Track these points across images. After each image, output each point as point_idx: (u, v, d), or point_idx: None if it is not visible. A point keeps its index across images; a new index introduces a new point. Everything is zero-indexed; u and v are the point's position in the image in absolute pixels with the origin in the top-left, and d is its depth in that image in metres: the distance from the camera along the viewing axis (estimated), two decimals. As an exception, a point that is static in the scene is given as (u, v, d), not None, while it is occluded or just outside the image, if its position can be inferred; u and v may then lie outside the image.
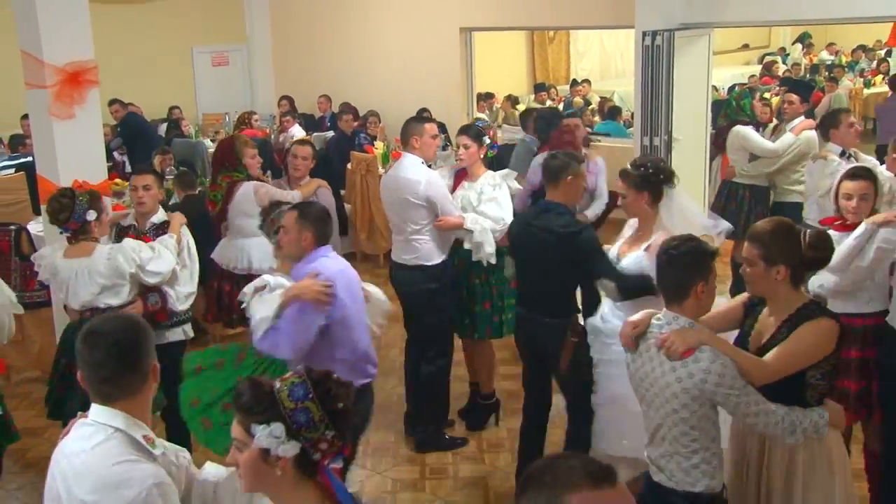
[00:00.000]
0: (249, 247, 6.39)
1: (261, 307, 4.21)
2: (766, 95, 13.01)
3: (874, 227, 4.42)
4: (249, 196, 6.34)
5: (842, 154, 6.47)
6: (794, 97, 8.27)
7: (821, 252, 3.44)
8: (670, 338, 3.26)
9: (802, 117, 8.03)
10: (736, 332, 3.63)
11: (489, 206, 5.77)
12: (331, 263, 4.33)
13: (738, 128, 8.00)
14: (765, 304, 3.57)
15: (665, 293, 3.40)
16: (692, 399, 3.23)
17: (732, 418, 3.42)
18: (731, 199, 8.02)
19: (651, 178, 4.56)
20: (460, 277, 5.95)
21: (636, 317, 3.52)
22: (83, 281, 4.97)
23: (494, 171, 6.13)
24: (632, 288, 4.48)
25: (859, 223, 4.54)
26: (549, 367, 4.96)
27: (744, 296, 3.73)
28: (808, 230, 3.47)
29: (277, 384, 2.32)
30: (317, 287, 4.14)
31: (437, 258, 5.75)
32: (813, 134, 7.60)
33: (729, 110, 8.94)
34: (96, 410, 2.61)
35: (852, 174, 4.57)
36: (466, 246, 5.75)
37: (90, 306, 4.99)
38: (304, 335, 4.14)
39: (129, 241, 5.15)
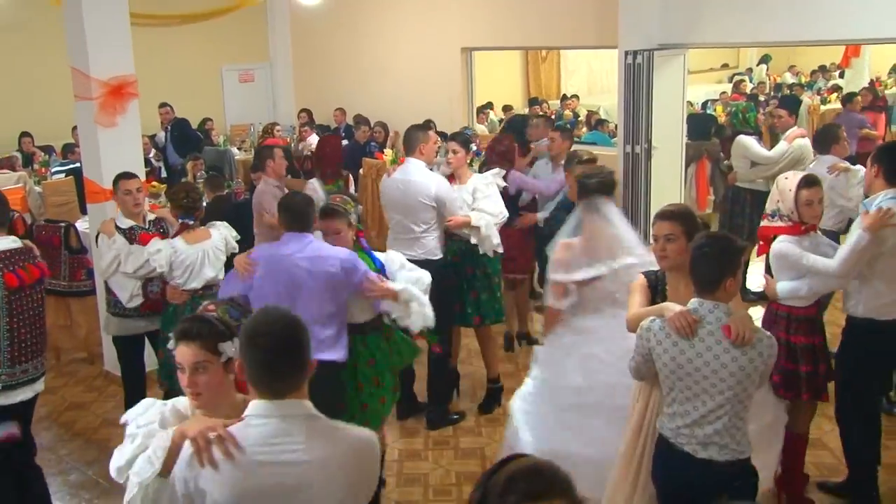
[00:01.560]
0: None
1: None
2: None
3: (870, 234, 4.21)
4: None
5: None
6: (783, 112, 8.37)
7: None
8: (738, 327, 3.16)
9: (796, 127, 8.13)
10: None
11: (486, 202, 5.79)
12: (271, 248, 4.51)
13: (741, 137, 8.09)
14: (663, 281, 3.70)
15: (698, 284, 3.29)
16: (760, 376, 3.24)
17: None
18: (735, 202, 8.16)
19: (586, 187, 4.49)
20: (456, 271, 5.87)
21: (685, 308, 3.30)
22: (211, 259, 5.20)
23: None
24: None
25: (817, 225, 4.53)
26: None
27: (641, 279, 3.77)
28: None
29: (216, 312, 2.85)
30: (242, 261, 4.41)
31: (439, 253, 5.74)
32: (805, 141, 7.70)
33: (735, 122, 8.97)
34: (270, 405, 2.40)
35: (808, 182, 4.43)
36: (473, 240, 5.73)
37: (214, 282, 5.16)
38: (225, 291, 4.37)
39: (225, 224, 5.46)
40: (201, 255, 5.15)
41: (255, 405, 2.40)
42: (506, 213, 5.83)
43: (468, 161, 6.17)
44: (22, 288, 4.21)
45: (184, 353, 2.62)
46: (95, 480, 5.31)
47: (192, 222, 5.24)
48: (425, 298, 4.52)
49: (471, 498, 1.85)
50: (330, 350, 4.30)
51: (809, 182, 4.45)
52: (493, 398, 6.14)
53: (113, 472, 2.59)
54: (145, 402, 2.76)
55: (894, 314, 4.42)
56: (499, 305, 5.99)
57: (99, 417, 6.17)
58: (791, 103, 8.12)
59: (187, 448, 2.36)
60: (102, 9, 6.19)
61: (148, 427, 2.60)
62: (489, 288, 5.90)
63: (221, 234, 5.33)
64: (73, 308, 6.96)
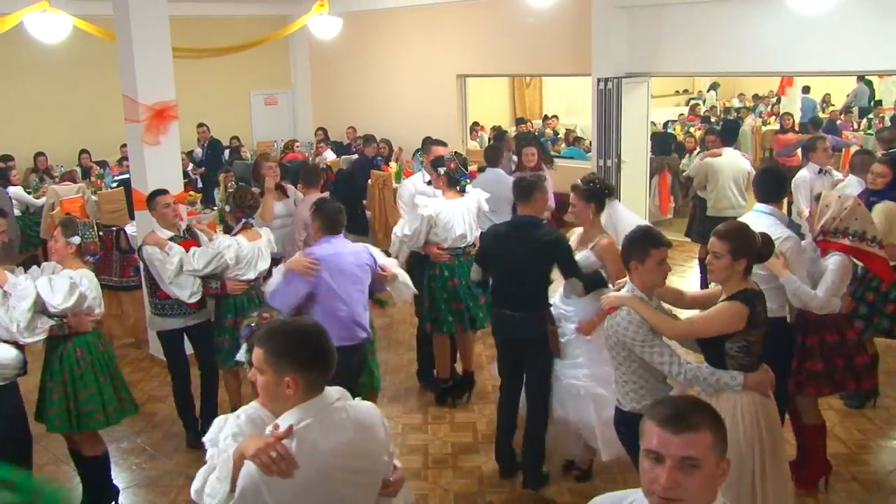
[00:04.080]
0: None
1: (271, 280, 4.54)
2: (692, 130, 13.14)
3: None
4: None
5: (819, 171, 6.50)
6: (714, 137, 8.45)
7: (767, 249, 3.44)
8: (608, 297, 3.42)
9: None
10: None
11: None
12: (325, 248, 4.43)
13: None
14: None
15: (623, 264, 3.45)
16: (616, 344, 3.34)
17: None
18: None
19: (596, 192, 4.41)
20: (440, 283, 5.55)
21: (620, 290, 3.49)
22: (263, 255, 5.25)
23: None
24: (592, 284, 4.33)
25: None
26: (522, 353, 4.49)
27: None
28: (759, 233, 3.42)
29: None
30: (305, 262, 4.35)
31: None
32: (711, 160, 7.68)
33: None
34: (309, 405, 2.22)
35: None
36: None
37: (263, 274, 5.20)
38: (290, 295, 4.37)
39: (265, 230, 5.49)
40: (257, 251, 5.21)
41: (299, 410, 2.18)
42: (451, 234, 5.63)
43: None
44: None
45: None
46: (143, 447, 5.36)
47: (251, 221, 5.31)
48: (408, 277, 4.80)
49: None
50: (364, 329, 4.55)
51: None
52: (465, 386, 5.90)
53: (193, 495, 2.30)
54: (217, 423, 2.42)
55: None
56: (482, 314, 5.58)
57: (146, 394, 6.21)
58: (729, 130, 8.27)
59: (248, 465, 2.12)
60: (149, 44, 6.22)
61: (225, 452, 2.27)
62: (473, 297, 5.58)
63: (267, 235, 5.40)
64: (123, 300, 7.00)
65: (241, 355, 3.10)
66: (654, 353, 3.25)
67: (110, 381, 4.45)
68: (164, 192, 5.23)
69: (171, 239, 5.16)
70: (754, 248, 3.35)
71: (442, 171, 5.53)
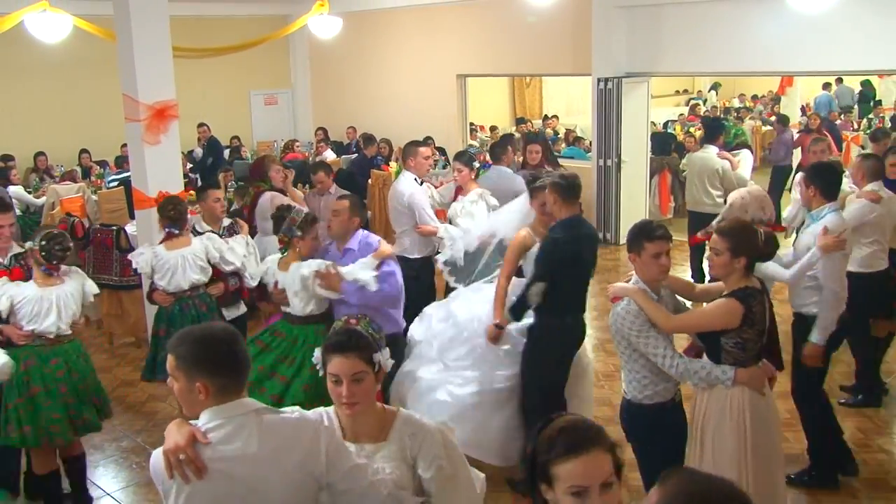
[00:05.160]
0: (267, 243, 6.05)
1: (360, 271, 4.22)
2: (692, 130, 13.15)
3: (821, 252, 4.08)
4: (266, 204, 6.31)
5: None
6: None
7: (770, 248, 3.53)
8: (614, 287, 3.44)
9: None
10: None
11: (464, 220, 5.72)
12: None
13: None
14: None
15: None
16: (617, 333, 3.38)
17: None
18: None
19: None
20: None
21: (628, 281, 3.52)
22: (190, 264, 5.00)
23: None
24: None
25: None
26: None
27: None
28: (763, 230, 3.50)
29: (359, 325, 2.48)
30: (387, 251, 4.33)
31: (416, 254, 5.72)
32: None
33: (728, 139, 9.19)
34: (235, 405, 2.19)
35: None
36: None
37: (197, 284, 5.01)
38: (399, 276, 4.32)
39: (213, 236, 5.23)
40: (181, 259, 4.98)
41: (213, 412, 2.16)
42: (475, 231, 5.57)
43: (473, 176, 6.12)
44: None
45: (342, 365, 2.32)
46: (143, 446, 5.36)
47: (177, 231, 5.04)
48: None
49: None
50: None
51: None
52: None
53: None
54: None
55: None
56: None
57: (146, 393, 6.22)
58: (708, 128, 8.48)
59: (157, 455, 2.14)
60: (149, 44, 6.22)
61: None
62: None
63: (203, 244, 5.09)
64: (124, 299, 7.00)
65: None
66: (648, 343, 3.28)
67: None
68: (215, 186, 5.30)
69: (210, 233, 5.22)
70: (755, 246, 3.39)
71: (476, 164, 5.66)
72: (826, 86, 15.79)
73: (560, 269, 4.13)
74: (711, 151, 7.83)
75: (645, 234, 3.34)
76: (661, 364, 3.30)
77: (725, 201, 7.19)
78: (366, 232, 4.54)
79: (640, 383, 3.40)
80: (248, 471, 2.12)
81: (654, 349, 3.28)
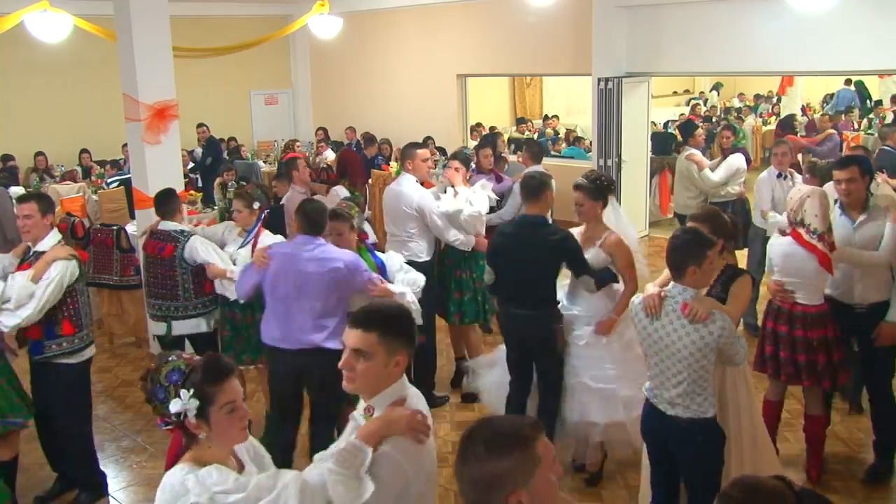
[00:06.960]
0: None
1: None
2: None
3: None
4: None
5: (778, 175, 6.26)
6: (729, 133, 8.40)
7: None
8: (694, 306, 3.22)
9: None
10: None
11: (475, 198, 5.70)
12: (283, 246, 4.43)
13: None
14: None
15: (670, 269, 3.37)
16: (710, 351, 3.26)
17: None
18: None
19: (603, 188, 4.41)
20: (449, 271, 5.75)
21: (656, 289, 3.42)
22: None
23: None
24: (602, 280, 4.32)
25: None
26: (532, 351, 4.47)
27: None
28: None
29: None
30: (260, 253, 4.38)
31: (425, 256, 5.67)
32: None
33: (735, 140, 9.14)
34: None
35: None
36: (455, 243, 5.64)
37: None
38: (245, 283, 4.43)
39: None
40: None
41: (402, 383, 2.27)
42: (483, 210, 5.71)
43: (468, 177, 6.11)
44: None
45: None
46: (143, 446, 5.37)
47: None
48: (415, 298, 4.41)
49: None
50: (335, 339, 4.11)
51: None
52: (460, 374, 5.91)
53: None
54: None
55: None
56: (478, 307, 5.74)
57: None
58: (683, 130, 8.50)
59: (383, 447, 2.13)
60: (150, 44, 6.24)
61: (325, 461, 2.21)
62: (473, 290, 5.72)
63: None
64: (124, 299, 7.00)
65: (180, 405, 2.31)
66: (736, 343, 3.32)
67: None
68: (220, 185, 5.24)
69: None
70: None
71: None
72: (848, 81, 15.40)
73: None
74: (686, 154, 7.79)
75: (706, 241, 3.33)
76: (738, 356, 3.36)
77: (706, 201, 7.35)
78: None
79: (708, 400, 3.36)
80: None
81: (739, 347, 3.34)
